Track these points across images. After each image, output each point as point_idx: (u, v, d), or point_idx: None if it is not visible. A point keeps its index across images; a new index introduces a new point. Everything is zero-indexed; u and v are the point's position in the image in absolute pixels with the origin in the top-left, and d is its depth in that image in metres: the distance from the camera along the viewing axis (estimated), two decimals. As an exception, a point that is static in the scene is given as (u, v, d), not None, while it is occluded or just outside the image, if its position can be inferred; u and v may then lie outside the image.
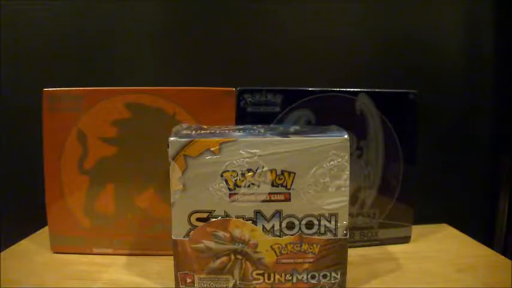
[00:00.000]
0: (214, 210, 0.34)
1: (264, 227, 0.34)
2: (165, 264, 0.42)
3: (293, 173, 0.34)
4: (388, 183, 0.47)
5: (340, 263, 0.35)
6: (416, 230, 0.50)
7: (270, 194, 0.34)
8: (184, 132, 0.35)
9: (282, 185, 0.34)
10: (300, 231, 0.34)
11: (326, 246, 0.34)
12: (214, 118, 0.43)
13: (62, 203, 0.44)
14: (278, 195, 0.34)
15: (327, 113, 0.44)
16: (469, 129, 0.62)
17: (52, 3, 0.56)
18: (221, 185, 0.33)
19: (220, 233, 0.34)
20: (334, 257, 0.35)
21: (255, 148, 0.33)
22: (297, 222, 0.34)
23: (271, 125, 0.42)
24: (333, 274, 0.35)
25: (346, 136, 0.34)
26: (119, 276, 0.40)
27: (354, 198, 0.46)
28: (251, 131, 0.35)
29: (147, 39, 0.58)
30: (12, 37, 0.56)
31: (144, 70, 0.58)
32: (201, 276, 0.34)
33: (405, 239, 0.48)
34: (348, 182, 0.34)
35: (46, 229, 0.45)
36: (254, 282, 0.35)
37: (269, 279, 0.35)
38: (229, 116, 0.43)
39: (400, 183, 0.47)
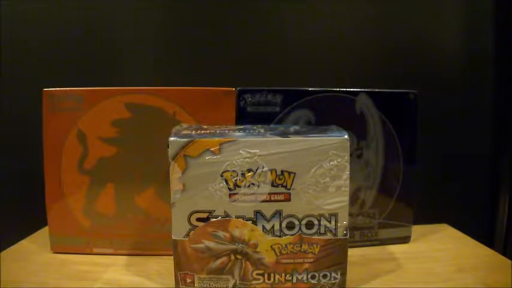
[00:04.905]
0: (214, 210, 0.34)
1: (264, 227, 0.34)
2: (165, 264, 0.42)
3: (293, 173, 0.34)
4: (388, 183, 0.47)
5: (340, 263, 0.35)
6: (416, 230, 0.50)
7: (270, 194, 0.34)
8: (184, 132, 0.35)
9: (282, 185, 0.34)
10: (300, 231, 0.34)
11: (326, 246, 0.34)
12: (214, 118, 0.43)
13: (62, 203, 0.44)
14: (278, 195, 0.34)
15: (327, 113, 0.44)
16: (469, 129, 0.62)
17: (52, 3, 0.56)
18: (221, 185, 0.33)
19: (220, 233, 0.34)
20: (334, 257, 0.35)
21: (255, 148, 0.33)
22: (297, 222, 0.34)
23: (271, 125, 0.42)
24: (333, 274, 0.35)
25: (346, 136, 0.34)
26: (119, 276, 0.40)
27: (354, 198, 0.46)
28: (251, 131, 0.35)
29: (147, 39, 0.58)
30: (12, 37, 0.56)
31: (144, 70, 0.58)
32: (201, 276, 0.35)
33: (405, 239, 0.48)
34: (348, 182, 0.34)
35: (46, 229, 0.45)
36: (254, 282, 0.35)
37: (269, 279, 0.35)
38: (229, 116, 0.43)
39: (400, 183, 0.47)
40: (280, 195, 0.34)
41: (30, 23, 0.56)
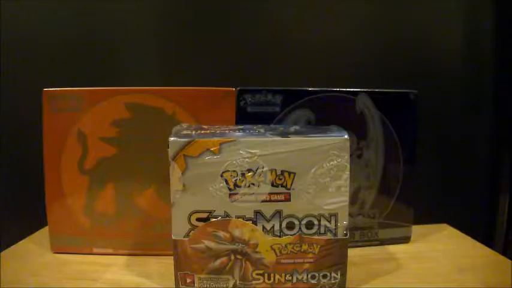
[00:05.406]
0: (214, 210, 0.34)
1: (264, 227, 0.34)
2: (165, 264, 0.42)
3: (293, 173, 0.34)
4: (388, 183, 0.47)
5: (340, 263, 0.35)
6: (416, 230, 0.50)
7: (270, 194, 0.34)
8: (184, 132, 0.35)
9: (282, 185, 0.34)
10: (300, 231, 0.34)
11: (326, 246, 0.34)
12: (214, 118, 0.43)
13: (62, 203, 0.44)
14: (278, 195, 0.34)
15: (327, 113, 0.44)
16: (469, 129, 0.62)
17: (52, 3, 0.56)
18: (221, 185, 0.33)
19: (220, 233, 0.34)
20: (334, 257, 0.35)
21: (255, 148, 0.33)
22: (297, 222, 0.34)
23: (271, 125, 0.42)
24: (333, 274, 0.35)
25: (346, 136, 0.34)
26: (119, 276, 0.40)
27: (354, 198, 0.46)
28: (251, 131, 0.35)
29: (147, 39, 0.58)
30: (12, 37, 0.56)
31: (144, 70, 0.58)
32: (201, 276, 0.35)
33: (405, 239, 0.48)
34: (348, 182, 0.34)
35: (46, 229, 0.45)
36: (254, 282, 0.35)
37: (269, 279, 0.35)
38: (229, 116, 0.43)
39: (400, 183, 0.47)
40: (280, 195, 0.34)
41: (31, 23, 0.56)
